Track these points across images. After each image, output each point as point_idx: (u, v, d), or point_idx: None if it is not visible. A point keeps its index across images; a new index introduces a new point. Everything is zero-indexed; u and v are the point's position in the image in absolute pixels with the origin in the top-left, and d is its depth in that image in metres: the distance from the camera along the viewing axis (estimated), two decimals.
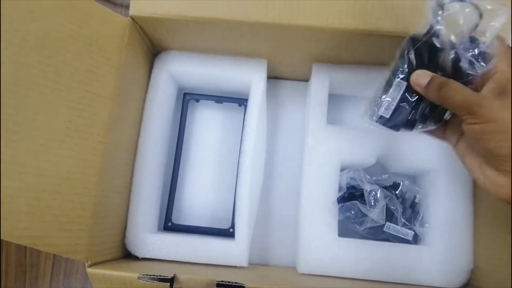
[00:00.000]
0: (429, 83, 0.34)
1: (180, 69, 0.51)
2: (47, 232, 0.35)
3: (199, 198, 0.54)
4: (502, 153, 0.31)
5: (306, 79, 0.57)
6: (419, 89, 0.34)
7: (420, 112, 0.36)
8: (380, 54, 0.47)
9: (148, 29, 0.46)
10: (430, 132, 0.38)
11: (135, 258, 0.47)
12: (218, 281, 0.38)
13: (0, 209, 0.31)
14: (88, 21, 0.39)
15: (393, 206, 0.46)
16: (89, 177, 0.38)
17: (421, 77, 0.34)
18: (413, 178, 0.52)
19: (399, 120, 0.37)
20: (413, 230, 0.47)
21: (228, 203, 0.53)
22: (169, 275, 0.38)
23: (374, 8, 0.41)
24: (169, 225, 0.51)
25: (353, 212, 0.46)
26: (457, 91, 0.32)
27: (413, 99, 0.35)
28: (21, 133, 0.34)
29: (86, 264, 0.38)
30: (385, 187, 0.48)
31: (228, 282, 0.38)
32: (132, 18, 0.43)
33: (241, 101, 0.55)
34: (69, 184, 0.37)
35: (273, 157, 0.55)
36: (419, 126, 0.37)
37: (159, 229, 0.51)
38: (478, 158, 0.34)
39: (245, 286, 0.37)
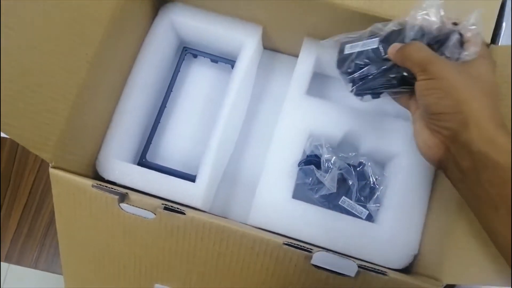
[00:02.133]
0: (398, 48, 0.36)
1: (181, 20, 0.54)
2: (20, 123, 0.38)
3: (176, 144, 0.57)
4: (436, 110, 0.33)
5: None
6: (391, 56, 0.37)
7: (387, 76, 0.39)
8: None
9: None
10: (396, 99, 0.41)
11: (102, 179, 0.50)
12: (165, 205, 0.40)
13: None
14: None
15: (351, 181, 0.47)
16: (69, 88, 0.42)
17: (396, 47, 0.37)
18: (382, 165, 0.53)
19: (368, 85, 0.40)
20: (367, 209, 0.48)
21: (202, 153, 0.56)
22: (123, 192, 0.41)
23: None
24: (143, 161, 0.54)
25: (310, 179, 0.48)
26: (417, 50, 0.34)
27: (380, 65, 0.39)
28: (17, 30, 0.37)
29: (50, 164, 0.42)
30: (349, 164, 0.49)
31: (172, 206, 0.40)
32: None
33: (234, 63, 0.58)
34: (49, 87, 0.40)
35: (252, 121, 0.58)
36: (387, 91, 0.40)
37: (133, 162, 0.54)
38: (422, 121, 0.36)
39: (185, 212, 0.40)
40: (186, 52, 0.58)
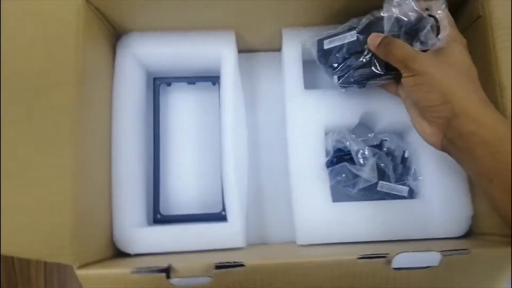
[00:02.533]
0: (379, 43, 0.38)
1: (145, 51, 0.48)
2: (26, 236, 0.32)
3: (185, 185, 0.52)
4: (426, 103, 0.36)
5: (278, 49, 0.55)
6: (372, 48, 0.39)
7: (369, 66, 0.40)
8: (353, 10, 0.45)
9: (105, 10, 0.43)
10: (384, 87, 0.43)
11: (127, 255, 0.44)
12: (217, 263, 0.36)
13: None
14: (40, 5, 0.36)
15: (383, 164, 0.45)
16: (62, 174, 0.35)
17: (375, 37, 0.39)
18: (400, 134, 0.51)
19: (352, 77, 0.42)
20: (407, 186, 0.46)
21: (215, 185, 0.51)
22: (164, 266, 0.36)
23: None
24: (158, 217, 0.49)
25: (344, 176, 0.45)
26: (398, 48, 0.37)
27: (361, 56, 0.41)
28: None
29: (75, 266, 0.35)
30: (373, 146, 0.46)
31: (227, 262, 0.36)
32: None
33: (214, 79, 0.53)
34: (43, 183, 0.34)
35: (255, 132, 0.53)
36: (371, 81, 0.42)
37: (148, 224, 0.48)
38: (416, 110, 0.39)
39: (244, 264, 0.36)
40: (159, 83, 0.52)
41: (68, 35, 0.38)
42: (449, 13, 0.38)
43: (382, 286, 0.38)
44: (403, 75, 0.37)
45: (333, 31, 0.44)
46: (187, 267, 0.37)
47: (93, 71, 0.42)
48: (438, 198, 0.45)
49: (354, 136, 0.44)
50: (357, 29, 0.42)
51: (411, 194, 0.47)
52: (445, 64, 0.36)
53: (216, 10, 0.44)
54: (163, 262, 0.38)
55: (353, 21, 0.43)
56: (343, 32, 0.43)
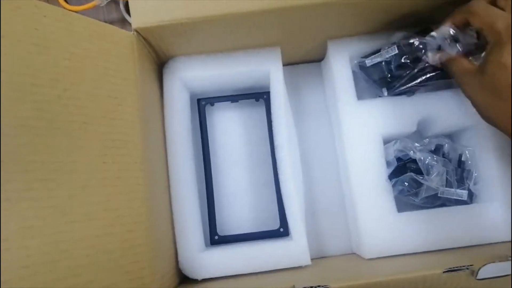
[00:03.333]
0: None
1: (191, 75, 0.47)
2: (111, 279, 0.32)
3: (238, 204, 0.51)
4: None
5: (318, 59, 0.54)
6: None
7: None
8: (397, 18, 0.45)
9: (153, 39, 0.42)
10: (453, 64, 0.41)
11: (193, 280, 0.44)
12: None
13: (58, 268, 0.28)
14: (94, 42, 0.36)
15: (447, 170, 0.44)
16: (137, 209, 0.35)
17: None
18: (450, 137, 0.50)
19: (405, 86, 0.45)
20: (467, 190, 0.46)
21: (270, 202, 0.51)
22: None
23: None
24: (216, 238, 0.48)
25: (406, 185, 0.44)
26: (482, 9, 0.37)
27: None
28: (58, 180, 0.30)
29: None
30: (431, 151, 0.46)
31: (311, 286, 0.35)
32: (137, 31, 0.40)
33: (258, 95, 0.52)
34: (120, 222, 0.33)
35: (304, 145, 0.53)
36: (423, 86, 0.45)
37: (206, 245, 0.48)
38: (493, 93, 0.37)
39: (329, 287, 0.35)
40: (204, 104, 0.52)
41: (127, 69, 0.38)
42: None
43: None
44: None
45: (370, 51, 0.47)
46: None
47: (149, 101, 0.42)
48: (499, 201, 0.44)
49: (417, 145, 0.44)
50: (396, 43, 0.44)
51: (471, 198, 0.46)
52: None
53: (262, 29, 0.44)
54: None
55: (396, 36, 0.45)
56: (384, 49, 0.45)
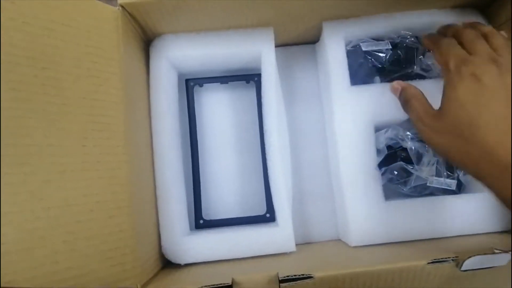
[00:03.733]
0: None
1: (180, 54, 0.46)
2: (91, 266, 0.31)
3: (225, 188, 0.51)
4: None
5: (312, 41, 0.53)
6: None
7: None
8: (397, 0, 0.43)
9: (139, 15, 0.40)
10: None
11: (176, 265, 0.43)
12: (284, 277, 0.35)
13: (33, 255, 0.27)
14: (75, 18, 0.34)
15: (437, 159, 0.44)
16: (119, 195, 0.34)
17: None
18: None
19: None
20: (456, 179, 0.45)
21: (257, 187, 0.50)
22: (226, 280, 0.35)
23: None
24: (201, 222, 0.48)
25: (396, 173, 0.44)
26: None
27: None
28: (35, 164, 0.29)
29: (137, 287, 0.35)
30: (421, 141, 0.45)
31: (294, 275, 0.35)
32: (122, 6, 0.38)
33: (248, 77, 0.51)
34: (101, 207, 0.32)
35: (294, 129, 0.51)
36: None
37: (191, 229, 0.47)
38: None
39: (313, 276, 0.35)
40: (193, 84, 0.50)
41: (110, 48, 0.36)
42: None
43: (448, 286, 0.38)
44: None
45: (366, 35, 0.47)
46: (249, 280, 0.36)
47: (134, 81, 0.41)
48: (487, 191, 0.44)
49: (408, 133, 0.43)
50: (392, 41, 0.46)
51: (459, 188, 0.46)
52: None
53: (255, 8, 0.42)
54: (219, 274, 0.38)
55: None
56: (382, 40, 0.46)
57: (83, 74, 0.33)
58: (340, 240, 0.49)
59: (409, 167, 0.42)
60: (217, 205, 0.51)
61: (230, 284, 0.35)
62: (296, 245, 0.44)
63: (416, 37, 0.46)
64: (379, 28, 0.46)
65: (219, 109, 0.52)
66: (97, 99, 0.34)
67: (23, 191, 0.27)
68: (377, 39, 0.46)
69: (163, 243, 0.43)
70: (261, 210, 0.48)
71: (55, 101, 0.30)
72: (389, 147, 0.45)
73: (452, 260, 0.35)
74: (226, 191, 0.51)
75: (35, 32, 0.30)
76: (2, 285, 0.25)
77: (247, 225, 0.47)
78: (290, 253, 0.44)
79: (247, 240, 0.44)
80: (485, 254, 0.35)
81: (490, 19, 0.46)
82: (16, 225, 0.27)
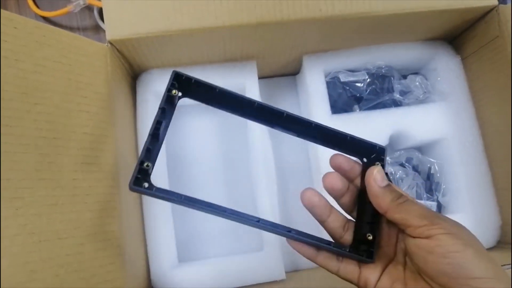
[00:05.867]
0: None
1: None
2: None
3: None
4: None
5: (293, 73, 0.55)
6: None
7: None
8: (372, 35, 0.46)
9: (127, 51, 0.42)
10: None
11: None
12: None
13: None
14: (66, 55, 0.35)
15: (416, 182, 0.46)
16: (109, 227, 0.34)
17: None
18: (419, 150, 0.52)
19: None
20: (436, 201, 0.47)
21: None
22: None
23: None
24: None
25: None
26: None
27: None
28: (26, 198, 0.29)
29: None
30: (401, 165, 0.47)
31: None
32: (111, 43, 0.39)
33: None
34: (91, 240, 0.33)
35: (279, 158, 0.53)
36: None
37: (179, 260, 0.47)
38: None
39: None
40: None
41: (100, 83, 0.37)
42: None
43: None
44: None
45: (345, 67, 0.50)
46: None
47: (122, 114, 0.42)
48: (469, 211, 0.46)
49: (388, 158, 0.45)
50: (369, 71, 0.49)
51: (440, 209, 0.48)
52: None
53: (238, 43, 0.44)
54: None
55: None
56: (359, 71, 0.50)
57: (74, 109, 0.34)
58: None
59: None
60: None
61: None
62: (286, 272, 0.45)
63: (391, 66, 0.49)
64: (356, 60, 0.48)
65: (207, 137, 0.53)
66: (87, 133, 0.35)
67: (14, 225, 0.28)
68: (354, 70, 0.49)
69: (152, 276, 0.43)
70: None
71: (47, 135, 0.31)
72: None
73: None
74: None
75: (28, 68, 0.31)
76: None
77: (235, 255, 0.47)
78: (280, 281, 0.44)
79: (236, 269, 0.44)
80: None
81: (457, 50, 0.50)
82: (8, 259, 0.27)
